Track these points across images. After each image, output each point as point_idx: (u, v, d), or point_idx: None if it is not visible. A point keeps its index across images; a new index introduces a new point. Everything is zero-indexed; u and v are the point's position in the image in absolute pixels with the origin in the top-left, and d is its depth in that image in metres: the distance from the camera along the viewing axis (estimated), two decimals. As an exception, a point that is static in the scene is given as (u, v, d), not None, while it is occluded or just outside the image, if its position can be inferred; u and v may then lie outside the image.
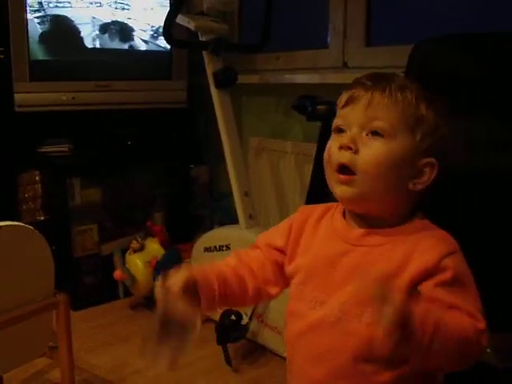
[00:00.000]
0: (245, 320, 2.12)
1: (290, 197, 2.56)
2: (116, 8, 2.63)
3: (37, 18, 2.50)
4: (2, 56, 2.47)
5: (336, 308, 0.90)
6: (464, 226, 1.36)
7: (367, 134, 0.88)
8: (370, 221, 0.92)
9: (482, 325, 0.82)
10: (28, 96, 2.49)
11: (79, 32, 2.57)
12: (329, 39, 2.52)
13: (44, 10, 2.51)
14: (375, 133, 0.87)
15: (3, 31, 2.42)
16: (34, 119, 2.51)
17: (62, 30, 2.54)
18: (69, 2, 2.56)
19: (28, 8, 2.45)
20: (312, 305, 0.94)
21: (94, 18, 2.62)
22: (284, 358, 2.03)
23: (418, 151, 0.88)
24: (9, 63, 2.43)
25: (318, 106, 1.82)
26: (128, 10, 2.66)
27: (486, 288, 1.32)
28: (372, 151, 0.86)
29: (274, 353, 2.14)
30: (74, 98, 2.55)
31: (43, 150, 2.59)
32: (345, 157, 0.87)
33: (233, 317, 2.08)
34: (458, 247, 0.87)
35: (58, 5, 2.54)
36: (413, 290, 0.83)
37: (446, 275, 0.83)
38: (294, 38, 2.78)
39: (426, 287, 0.83)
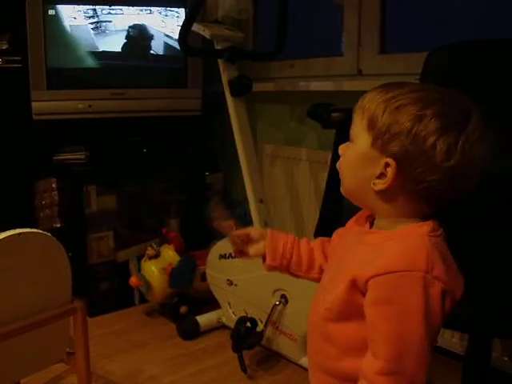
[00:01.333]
0: (260, 327, 2.12)
1: (304, 204, 2.56)
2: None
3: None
4: (20, 65, 2.50)
5: (323, 287, 1.02)
6: (461, 230, 1.37)
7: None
8: (374, 221, 0.98)
9: (380, 364, 0.85)
10: (45, 104, 2.51)
11: (96, 41, 2.60)
12: (343, 47, 2.52)
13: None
14: (350, 139, 0.95)
15: (21, 40, 2.46)
16: (51, 127, 2.53)
17: (79, 38, 2.56)
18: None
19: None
20: (320, 282, 1.06)
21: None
22: (298, 365, 2.04)
23: (376, 151, 0.89)
24: (26, 72, 2.46)
25: (333, 114, 1.83)
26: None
27: (505, 296, 1.32)
28: (345, 154, 0.96)
29: (289, 360, 2.14)
30: (90, 106, 2.57)
31: (60, 157, 2.62)
32: (337, 163, 0.99)
33: (248, 324, 2.09)
34: (416, 267, 0.84)
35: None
36: (354, 288, 0.89)
37: (375, 293, 0.86)
38: (308, 46, 2.79)
39: (365, 302, 0.88)
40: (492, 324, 1.35)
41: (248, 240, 1.15)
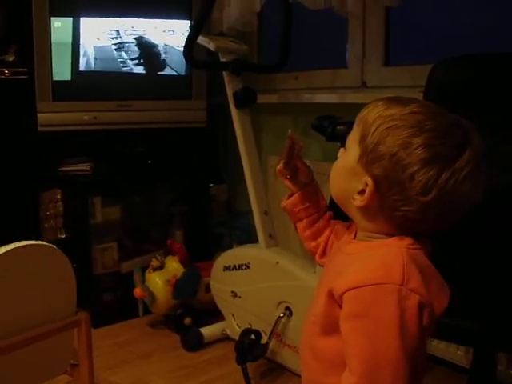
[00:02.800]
0: (264, 339, 2.12)
1: (308, 216, 2.56)
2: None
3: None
4: (26, 76, 2.51)
5: (313, 300, 0.99)
6: (467, 246, 1.36)
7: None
8: (357, 232, 0.97)
9: (353, 379, 0.83)
10: (51, 116, 2.52)
11: (102, 53, 2.61)
12: (348, 59, 2.53)
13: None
14: (346, 147, 0.95)
15: (27, 53, 2.48)
16: (57, 138, 2.55)
17: (85, 51, 2.58)
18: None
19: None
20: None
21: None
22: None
23: (360, 167, 0.88)
24: (32, 83, 2.48)
25: (338, 127, 1.83)
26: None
27: (509, 308, 1.32)
28: (338, 160, 0.97)
29: (292, 372, 2.13)
30: (95, 118, 2.59)
31: (65, 168, 2.63)
32: None
33: (252, 336, 2.08)
34: (391, 280, 0.83)
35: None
36: (332, 300, 0.89)
37: (349, 307, 0.85)
38: (312, 58, 2.80)
39: (340, 316, 0.87)
40: (498, 338, 1.35)
41: (296, 171, 1.12)
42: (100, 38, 2.58)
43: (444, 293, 0.89)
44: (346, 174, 0.92)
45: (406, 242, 0.88)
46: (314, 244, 1.13)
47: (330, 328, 0.90)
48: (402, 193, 0.84)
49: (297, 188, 1.12)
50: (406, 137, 0.83)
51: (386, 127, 0.85)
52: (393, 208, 0.86)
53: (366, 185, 0.87)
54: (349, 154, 0.91)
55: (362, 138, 0.88)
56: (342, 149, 0.96)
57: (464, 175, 0.83)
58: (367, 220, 0.91)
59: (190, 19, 2.69)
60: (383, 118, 0.86)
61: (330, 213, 1.14)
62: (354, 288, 0.83)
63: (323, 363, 0.94)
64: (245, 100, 2.28)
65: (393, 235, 0.90)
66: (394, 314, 0.81)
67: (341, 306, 0.86)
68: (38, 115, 2.50)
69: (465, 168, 0.83)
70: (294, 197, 1.12)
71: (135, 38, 2.64)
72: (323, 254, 1.12)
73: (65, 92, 2.56)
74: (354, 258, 0.91)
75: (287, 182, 1.12)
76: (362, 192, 0.88)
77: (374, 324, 0.82)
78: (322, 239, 1.12)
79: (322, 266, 1.12)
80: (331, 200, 1.01)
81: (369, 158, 0.86)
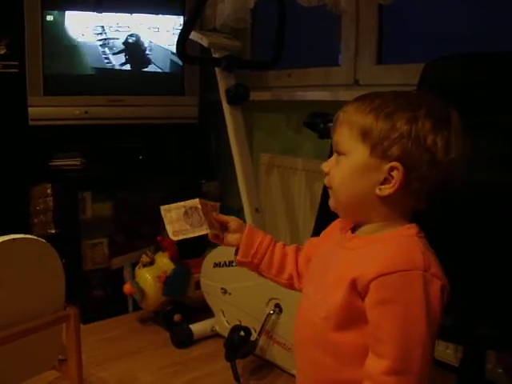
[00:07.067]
0: (254, 336, 2.12)
1: (300, 214, 2.56)
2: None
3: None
4: (18, 70, 2.50)
5: (310, 299, 1.01)
6: (457, 243, 1.37)
7: (338, 155, 0.96)
8: (359, 227, 0.99)
9: (387, 364, 0.86)
10: (42, 110, 2.51)
11: (94, 48, 2.60)
12: (340, 57, 2.53)
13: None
14: (340, 153, 0.96)
15: (19, 46, 2.46)
16: (47, 133, 2.53)
17: (77, 45, 2.57)
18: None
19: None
20: (304, 295, 1.06)
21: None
22: (292, 375, 2.03)
23: (376, 159, 0.90)
24: (23, 77, 2.46)
25: (330, 124, 1.83)
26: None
27: (500, 308, 1.32)
28: (338, 169, 0.96)
29: (282, 369, 2.13)
30: (86, 113, 2.57)
31: (55, 163, 2.61)
32: (325, 180, 1.00)
33: (242, 333, 2.08)
34: (415, 266, 0.87)
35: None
36: (354, 291, 0.90)
37: (377, 294, 0.87)
38: (305, 56, 2.80)
39: (366, 304, 0.89)
40: (487, 336, 1.35)
41: (225, 227, 1.17)
42: (85, 33, 2.57)
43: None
44: (359, 172, 0.93)
45: (413, 230, 0.92)
46: (285, 276, 1.15)
47: (348, 321, 0.92)
48: (429, 160, 0.89)
49: (236, 242, 1.16)
50: (409, 114, 0.89)
51: (384, 115, 0.89)
52: (423, 178, 0.89)
53: (391, 170, 0.89)
54: (353, 155, 0.93)
55: (365, 135, 0.91)
56: (327, 163, 0.98)
57: (460, 132, 0.91)
58: (390, 205, 0.93)
59: (183, 15, 2.68)
60: (375, 110, 0.90)
61: (280, 242, 1.17)
62: (380, 276, 0.86)
63: (338, 358, 0.95)
64: (237, 97, 2.28)
65: (406, 217, 0.94)
66: (421, 299, 0.85)
67: (362, 296, 0.89)
68: (29, 109, 2.48)
69: (458, 126, 0.91)
70: (240, 252, 1.15)
71: (120, 35, 2.63)
72: (299, 277, 1.14)
73: (56, 86, 2.54)
74: (367, 250, 0.92)
75: (226, 242, 1.16)
76: (385, 181, 0.90)
77: (404, 309, 0.86)
78: (290, 267, 1.15)
79: (301, 289, 1.12)
80: (321, 206, 1.01)
81: (384, 146, 0.89)
